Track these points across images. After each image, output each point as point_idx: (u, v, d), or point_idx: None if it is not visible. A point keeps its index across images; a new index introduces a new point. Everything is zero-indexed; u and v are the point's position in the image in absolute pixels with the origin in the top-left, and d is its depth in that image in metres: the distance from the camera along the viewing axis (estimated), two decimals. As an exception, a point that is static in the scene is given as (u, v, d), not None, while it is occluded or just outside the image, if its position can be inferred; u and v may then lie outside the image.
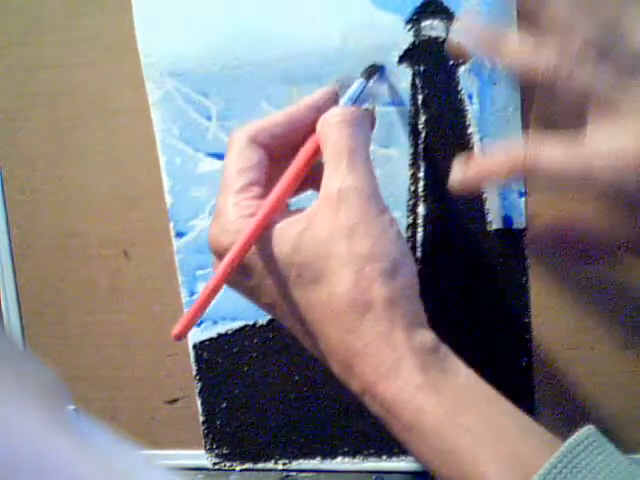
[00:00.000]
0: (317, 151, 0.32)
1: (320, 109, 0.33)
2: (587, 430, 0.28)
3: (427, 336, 0.30)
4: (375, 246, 0.29)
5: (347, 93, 0.34)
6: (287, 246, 0.30)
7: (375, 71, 0.36)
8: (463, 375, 0.30)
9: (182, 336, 0.29)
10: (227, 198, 0.31)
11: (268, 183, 0.32)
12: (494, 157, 0.33)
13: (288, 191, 0.31)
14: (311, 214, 0.30)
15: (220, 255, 0.31)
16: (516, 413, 0.29)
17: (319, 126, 0.32)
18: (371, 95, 0.36)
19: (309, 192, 0.35)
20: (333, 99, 0.34)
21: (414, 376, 0.29)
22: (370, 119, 0.34)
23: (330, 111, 0.32)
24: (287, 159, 0.33)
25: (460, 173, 0.35)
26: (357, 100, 0.34)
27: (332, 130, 0.31)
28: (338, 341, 0.30)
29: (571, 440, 0.27)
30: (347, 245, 0.29)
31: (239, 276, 0.31)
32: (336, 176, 0.30)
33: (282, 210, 0.31)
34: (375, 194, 0.30)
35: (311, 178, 0.33)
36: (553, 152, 0.30)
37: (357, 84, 0.35)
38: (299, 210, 0.31)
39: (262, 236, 0.30)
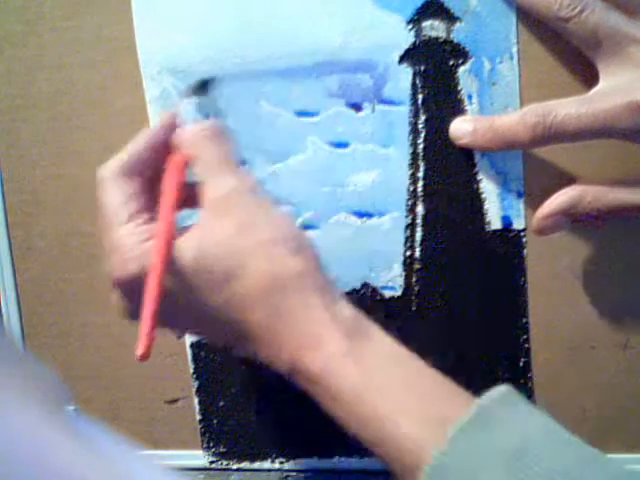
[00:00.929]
0: (184, 165, 0.34)
1: (170, 128, 0.35)
2: (503, 387, 0.29)
3: (345, 306, 0.31)
4: (275, 231, 0.31)
5: (184, 114, 0.37)
6: (189, 257, 0.31)
7: (204, 86, 0.38)
8: (381, 341, 0.31)
9: (146, 357, 0.30)
10: (118, 232, 0.32)
11: (154, 206, 0.33)
12: (508, 120, 0.34)
13: (175, 206, 0.32)
14: (203, 223, 0.32)
15: (127, 286, 0.32)
16: (434, 374, 0.30)
17: (184, 144, 0.34)
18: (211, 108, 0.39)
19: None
20: (176, 119, 0.35)
21: (336, 346, 0.30)
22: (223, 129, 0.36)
23: (184, 130, 0.34)
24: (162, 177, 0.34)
25: (470, 125, 0.36)
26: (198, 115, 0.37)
27: (200, 145, 0.33)
28: (262, 327, 0.31)
29: (486, 396, 0.28)
30: (248, 238, 0.31)
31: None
32: (218, 183, 0.32)
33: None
34: (257, 191, 0.33)
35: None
36: (568, 110, 0.32)
37: (187, 104, 0.38)
38: (187, 227, 0.32)
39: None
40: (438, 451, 0.27)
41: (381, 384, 0.29)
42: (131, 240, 0.32)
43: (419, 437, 0.28)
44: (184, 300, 0.32)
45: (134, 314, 0.31)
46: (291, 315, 0.30)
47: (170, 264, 0.31)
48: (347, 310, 0.31)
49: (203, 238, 0.31)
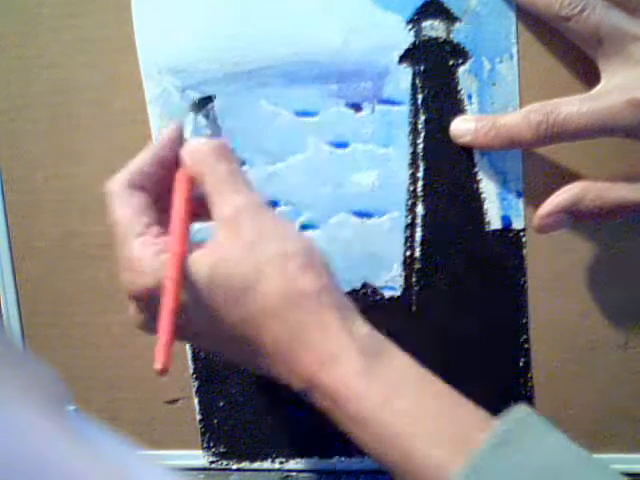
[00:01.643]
0: (192, 180, 0.33)
1: (175, 143, 0.34)
2: (523, 408, 0.28)
3: (361, 323, 0.31)
4: (286, 246, 0.31)
5: (188, 129, 0.37)
6: (205, 274, 0.31)
7: (206, 103, 0.39)
8: (399, 360, 0.30)
9: (166, 370, 0.29)
10: (131, 245, 0.32)
11: (161, 221, 0.33)
12: (511, 118, 0.34)
13: (186, 220, 0.32)
14: (216, 241, 0.32)
15: (144, 299, 0.32)
16: (453, 394, 0.30)
17: (188, 162, 0.33)
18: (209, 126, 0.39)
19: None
20: (181, 134, 0.35)
21: (354, 363, 0.29)
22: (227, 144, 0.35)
23: (190, 146, 0.34)
24: (168, 193, 0.33)
25: (472, 124, 0.36)
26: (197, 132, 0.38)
27: (205, 162, 0.33)
28: (277, 342, 0.30)
29: (506, 417, 0.28)
30: (259, 254, 0.31)
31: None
32: (225, 201, 0.32)
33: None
34: (266, 205, 0.32)
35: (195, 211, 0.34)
36: (570, 109, 0.32)
37: (190, 119, 0.38)
38: (200, 243, 0.32)
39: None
40: (459, 474, 0.26)
41: (400, 404, 0.29)
42: (146, 253, 0.31)
43: (440, 458, 0.27)
44: (200, 318, 0.31)
45: (151, 326, 0.31)
46: (306, 332, 0.30)
47: (184, 278, 0.30)
48: (363, 328, 0.31)
49: (216, 256, 0.31)
